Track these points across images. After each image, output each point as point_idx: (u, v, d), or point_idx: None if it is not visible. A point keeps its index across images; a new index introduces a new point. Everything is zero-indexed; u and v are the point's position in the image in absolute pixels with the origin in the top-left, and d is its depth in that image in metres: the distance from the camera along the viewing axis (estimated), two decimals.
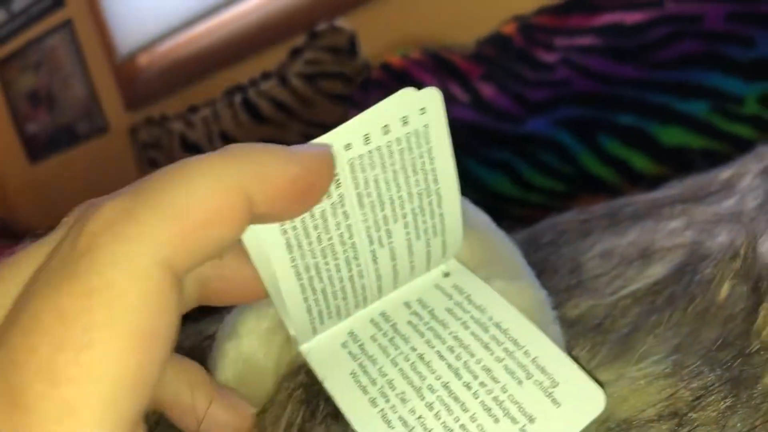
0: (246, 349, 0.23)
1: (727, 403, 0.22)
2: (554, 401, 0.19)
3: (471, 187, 0.89)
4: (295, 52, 1.19)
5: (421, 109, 0.20)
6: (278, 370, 0.23)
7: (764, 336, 0.23)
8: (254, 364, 0.23)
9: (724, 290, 0.25)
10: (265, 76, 1.24)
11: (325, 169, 0.18)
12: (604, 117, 0.83)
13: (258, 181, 0.16)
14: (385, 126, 0.19)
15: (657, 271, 0.26)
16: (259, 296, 0.21)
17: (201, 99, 1.39)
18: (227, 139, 1.28)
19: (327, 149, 0.18)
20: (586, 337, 0.24)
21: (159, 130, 1.43)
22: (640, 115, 0.81)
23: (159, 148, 1.43)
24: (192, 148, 1.35)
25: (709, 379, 0.22)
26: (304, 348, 0.22)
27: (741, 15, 0.74)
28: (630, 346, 0.24)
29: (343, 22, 1.14)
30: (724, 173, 0.36)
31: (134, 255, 0.15)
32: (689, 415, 0.22)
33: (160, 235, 0.15)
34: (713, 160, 0.40)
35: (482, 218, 0.26)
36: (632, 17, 0.80)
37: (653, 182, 0.40)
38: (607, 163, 0.83)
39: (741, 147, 0.40)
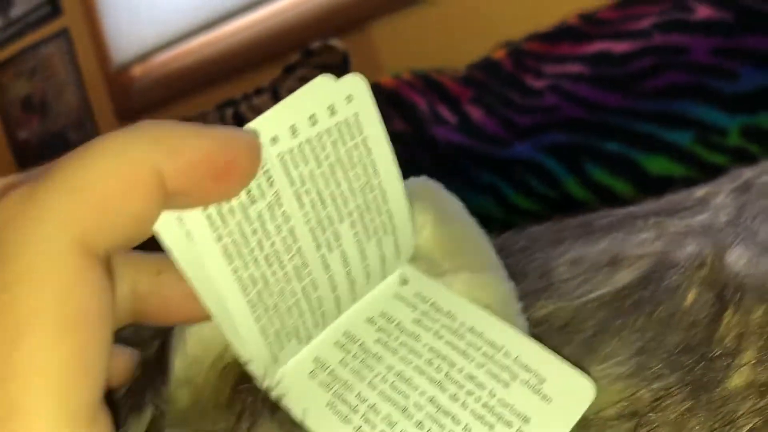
0: (207, 332, 0.23)
1: (687, 406, 0.22)
2: (545, 398, 0.19)
3: None
4: (289, 69, 1.20)
5: (348, 97, 0.19)
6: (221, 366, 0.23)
7: (726, 342, 0.24)
8: (214, 349, 0.23)
9: (690, 297, 0.25)
10: (258, 91, 1.25)
11: (246, 148, 0.17)
12: (590, 144, 0.84)
13: (168, 154, 0.16)
14: (312, 116, 0.18)
15: (625, 277, 0.26)
16: (200, 318, 0.20)
17: (193, 112, 1.40)
18: None
19: (250, 132, 0.17)
20: (551, 337, 0.24)
21: None
22: (625, 144, 0.82)
23: None
24: None
25: (670, 381, 0.22)
26: (270, 385, 0.21)
27: (726, 50, 0.75)
28: (594, 348, 0.24)
29: (337, 42, 1.15)
30: (699, 191, 0.36)
31: (46, 238, 0.14)
32: (649, 415, 0.22)
33: (67, 213, 0.15)
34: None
35: (452, 204, 0.25)
36: (620, 47, 0.82)
37: None
38: (592, 190, 0.84)
39: None
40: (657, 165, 0.79)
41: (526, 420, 0.19)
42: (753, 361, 0.23)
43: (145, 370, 0.24)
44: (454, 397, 0.19)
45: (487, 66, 0.96)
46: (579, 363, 0.24)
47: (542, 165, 0.86)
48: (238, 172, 0.17)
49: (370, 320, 0.22)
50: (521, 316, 0.23)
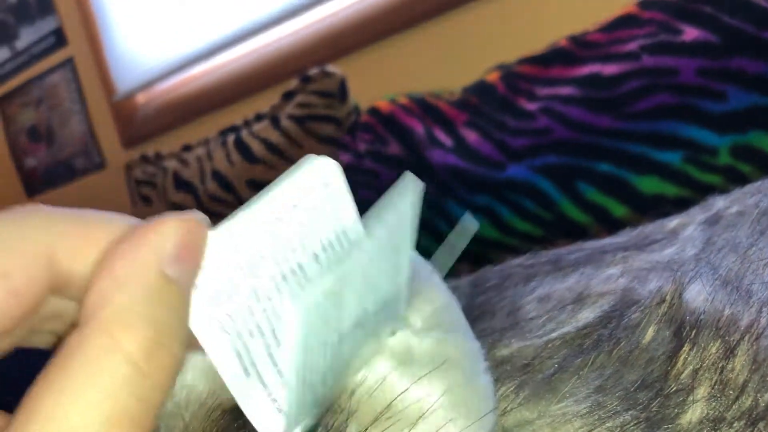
0: (189, 380, 0.24)
1: None
2: None
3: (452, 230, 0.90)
4: (288, 95, 1.22)
5: None
6: (217, 403, 0.24)
7: (682, 378, 0.25)
8: (195, 396, 0.24)
9: (649, 334, 0.26)
10: (259, 117, 1.27)
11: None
12: (583, 165, 0.85)
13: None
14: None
15: (588, 315, 0.27)
16: None
17: (196, 138, 1.42)
18: (220, 177, 1.30)
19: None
20: (512, 377, 0.25)
21: (153, 167, 1.45)
22: (618, 164, 0.82)
23: (152, 186, 1.44)
24: (185, 186, 1.37)
25: (625, 418, 0.23)
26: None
27: (712, 70, 0.76)
28: (554, 387, 0.25)
29: (334, 68, 1.17)
30: (672, 222, 0.37)
31: None
32: None
33: None
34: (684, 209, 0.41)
35: (424, 267, 0.26)
36: (610, 69, 0.83)
37: None
38: (586, 210, 0.84)
39: None
40: (649, 185, 0.80)
41: None
42: (706, 397, 0.24)
43: None
44: None
45: (481, 89, 0.98)
46: (538, 402, 0.24)
47: (536, 186, 0.87)
48: None
49: None
50: (486, 374, 0.24)
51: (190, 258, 0.18)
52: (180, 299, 0.17)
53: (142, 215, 0.18)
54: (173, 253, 0.17)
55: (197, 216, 0.18)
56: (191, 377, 0.25)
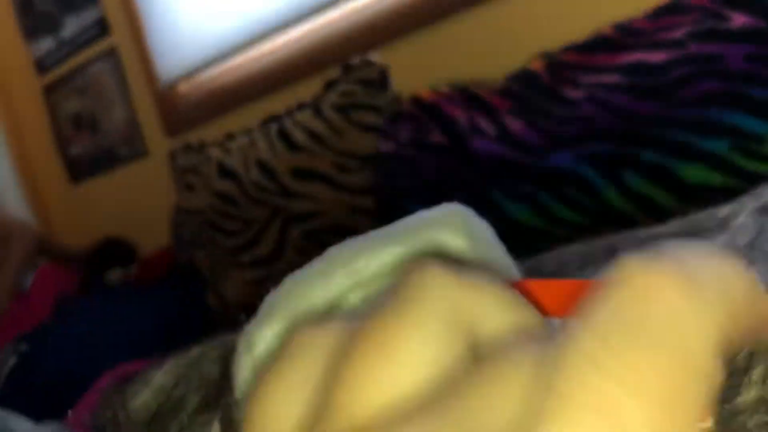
0: (258, 360, 0.25)
1: None
2: None
3: (496, 218, 0.91)
4: (330, 85, 1.23)
5: None
6: None
7: (737, 362, 0.25)
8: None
9: None
10: (301, 106, 1.28)
11: None
12: (627, 153, 0.85)
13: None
14: None
15: None
16: None
17: (238, 127, 1.44)
18: (263, 166, 1.32)
19: None
20: None
21: (197, 156, 1.48)
22: (662, 152, 0.82)
23: (197, 173, 1.47)
24: (229, 175, 1.39)
25: None
26: None
27: (760, 56, 0.76)
28: None
29: (375, 56, 1.18)
30: (723, 211, 0.38)
31: None
32: None
33: None
34: (733, 198, 0.42)
35: (483, 231, 0.27)
36: (656, 56, 0.83)
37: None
38: (631, 199, 0.85)
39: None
40: (694, 173, 0.80)
41: None
42: (760, 381, 0.25)
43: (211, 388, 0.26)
44: None
45: (524, 77, 0.98)
46: None
47: (581, 175, 0.87)
48: None
49: None
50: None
51: None
52: None
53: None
54: None
55: None
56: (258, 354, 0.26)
